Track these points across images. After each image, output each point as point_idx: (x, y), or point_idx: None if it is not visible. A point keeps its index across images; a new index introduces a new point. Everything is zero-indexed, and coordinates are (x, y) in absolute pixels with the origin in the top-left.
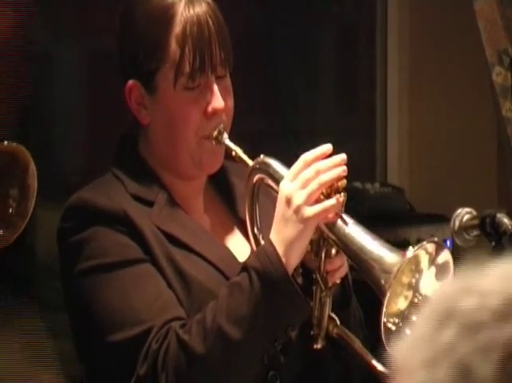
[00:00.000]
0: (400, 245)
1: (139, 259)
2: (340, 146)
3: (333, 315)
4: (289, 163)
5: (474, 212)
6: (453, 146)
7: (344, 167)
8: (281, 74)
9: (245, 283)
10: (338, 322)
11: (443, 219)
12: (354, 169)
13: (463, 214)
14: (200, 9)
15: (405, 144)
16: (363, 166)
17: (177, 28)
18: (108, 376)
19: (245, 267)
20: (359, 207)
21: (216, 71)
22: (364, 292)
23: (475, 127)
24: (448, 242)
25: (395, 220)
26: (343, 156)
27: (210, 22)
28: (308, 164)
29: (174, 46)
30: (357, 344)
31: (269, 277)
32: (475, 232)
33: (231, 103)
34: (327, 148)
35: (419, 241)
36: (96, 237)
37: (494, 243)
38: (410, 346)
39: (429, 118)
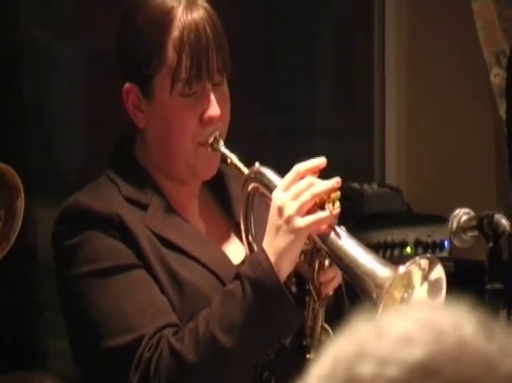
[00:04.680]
0: (398, 246)
1: (132, 265)
2: (338, 146)
3: (326, 326)
4: (287, 163)
5: (472, 213)
6: (451, 147)
7: (339, 179)
8: (279, 74)
9: (237, 292)
10: (331, 333)
11: (441, 219)
12: (352, 169)
13: (461, 214)
14: (198, 14)
15: (403, 145)
16: (361, 166)
17: (175, 33)
18: (101, 381)
19: (238, 275)
20: (357, 207)
21: (213, 78)
22: (357, 298)
23: (473, 127)
24: (446, 243)
25: (393, 221)
26: (337, 179)
27: (208, 29)
28: (300, 175)
29: (171, 52)
30: None
31: (261, 285)
32: (473, 233)
33: (228, 110)
34: (321, 160)
35: (417, 241)
36: (89, 242)
37: (491, 244)
38: None
39: (427, 119)
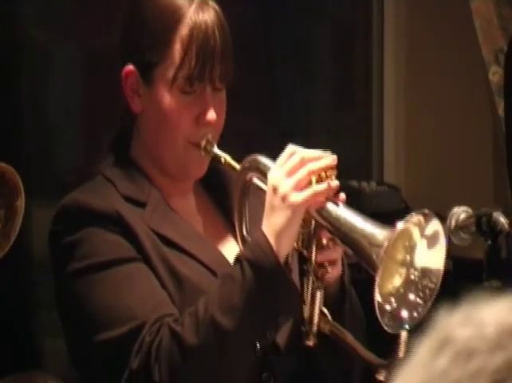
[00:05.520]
0: None
1: (132, 258)
2: (336, 145)
3: (325, 310)
4: None
5: (471, 211)
6: (449, 145)
7: (334, 157)
8: (277, 74)
9: (236, 273)
10: (330, 318)
11: (439, 217)
12: (350, 168)
13: (459, 212)
14: (209, 17)
15: (401, 143)
16: (359, 165)
17: (184, 29)
18: (103, 374)
19: (237, 258)
20: (355, 205)
21: (214, 83)
22: (366, 293)
23: (471, 126)
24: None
25: (391, 219)
26: (334, 157)
27: (217, 33)
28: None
29: (178, 47)
30: (350, 338)
31: (260, 266)
32: (471, 231)
33: (222, 118)
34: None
35: None
36: (88, 237)
37: (490, 242)
38: (408, 371)
39: (425, 117)
